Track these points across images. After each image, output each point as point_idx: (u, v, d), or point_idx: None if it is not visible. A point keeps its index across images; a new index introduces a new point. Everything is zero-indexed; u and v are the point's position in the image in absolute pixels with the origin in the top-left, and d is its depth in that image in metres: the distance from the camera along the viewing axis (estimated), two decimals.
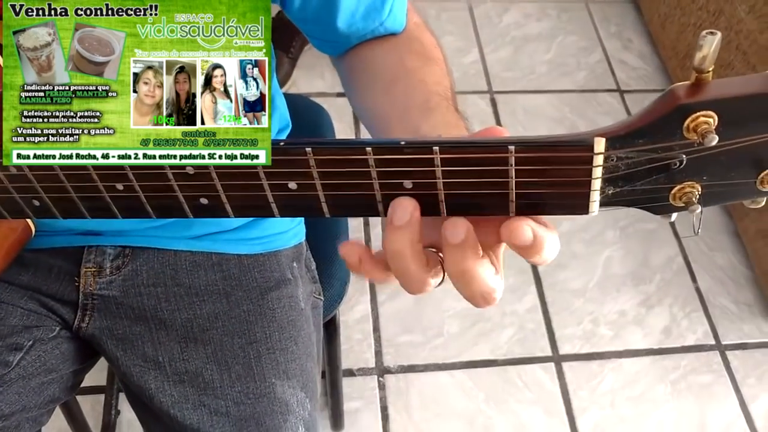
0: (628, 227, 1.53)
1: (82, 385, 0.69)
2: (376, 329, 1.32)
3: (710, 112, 0.32)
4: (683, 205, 0.35)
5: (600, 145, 0.33)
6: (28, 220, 0.57)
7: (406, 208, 0.35)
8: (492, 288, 0.36)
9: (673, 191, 0.35)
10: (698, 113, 0.32)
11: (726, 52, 1.50)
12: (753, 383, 1.33)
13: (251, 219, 0.68)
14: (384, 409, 1.23)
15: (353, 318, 1.33)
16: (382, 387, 1.25)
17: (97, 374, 0.89)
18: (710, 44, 0.30)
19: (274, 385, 0.61)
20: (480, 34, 1.89)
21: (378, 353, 1.29)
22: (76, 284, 0.62)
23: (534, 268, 1.45)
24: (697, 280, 1.47)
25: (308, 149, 0.34)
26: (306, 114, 0.93)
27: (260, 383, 0.61)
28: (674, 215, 0.37)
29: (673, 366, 1.34)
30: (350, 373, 1.26)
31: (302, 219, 0.76)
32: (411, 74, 0.53)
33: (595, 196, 0.35)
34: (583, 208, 0.36)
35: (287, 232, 0.71)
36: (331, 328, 0.89)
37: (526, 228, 0.34)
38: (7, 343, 0.58)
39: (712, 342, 1.38)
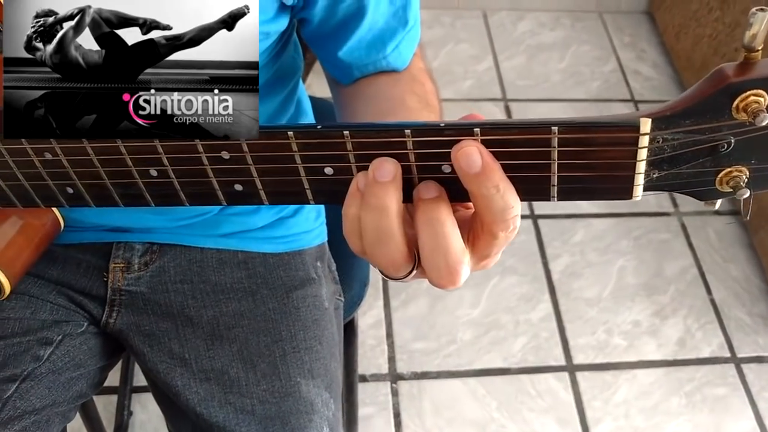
0: (641, 237, 1.53)
1: None
2: (390, 335, 1.32)
3: (761, 91, 0.31)
4: (730, 190, 0.34)
5: (646, 125, 0.33)
6: (57, 214, 0.57)
7: (389, 164, 0.33)
8: (458, 258, 0.34)
9: (719, 175, 0.34)
10: (749, 92, 0.31)
11: None
12: None
13: (276, 218, 0.68)
14: (397, 416, 1.22)
15: (366, 323, 1.32)
16: (395, 393, 1.25)
17: (109, 375, 0.88)
18: (761, 21, 0.29)
19: (299, 384, 0.61)
20: (494, 42, 1.90)
21: (391, 359, 1.29)
22: (105, 280, 0.62)
23: (548, 276, 1.44)
24: (711, 292, 1.46)
25: (346, 132, 0.34)
26: (328, 116, 0.93)
27: (285, 382, 0.60)
28: (719, 202, 0.36)
29: (687, 378, 1.33)
30: (363, 378, 1.25)
31: (324, 219, 0.76)
32: (409, 113, 0.52)
33: (639, 180, 0.34)
34: (626, 193, 0.35)
35: (311, 232, 0.71)
36: (349, 331, 0.89)
37: (472, 149, 0.32)
38: (38, 337, 0.58)
39: (728, 354, 1.37)
